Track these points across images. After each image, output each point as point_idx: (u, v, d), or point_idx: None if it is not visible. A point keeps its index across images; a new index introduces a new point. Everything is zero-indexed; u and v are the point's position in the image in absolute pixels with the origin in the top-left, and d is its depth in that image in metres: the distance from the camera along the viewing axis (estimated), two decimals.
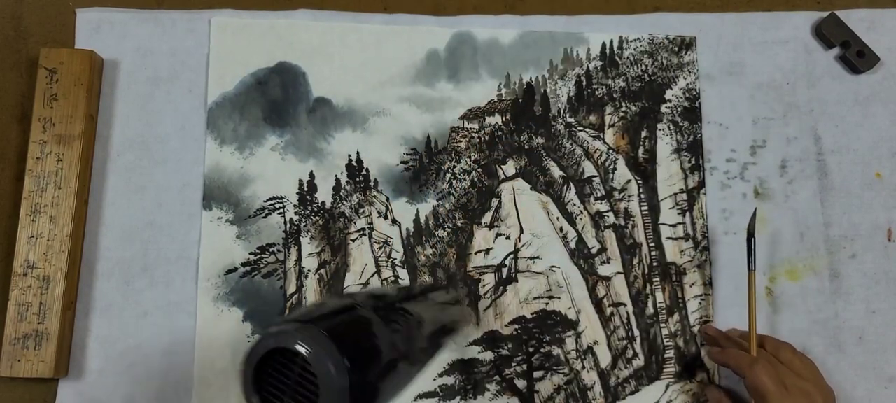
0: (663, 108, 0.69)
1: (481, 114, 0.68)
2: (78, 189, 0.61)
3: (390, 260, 0.64)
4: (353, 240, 0.64)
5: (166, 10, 0.67)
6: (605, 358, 0.64)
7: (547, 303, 0.65)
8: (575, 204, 0.67)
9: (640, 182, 0.67)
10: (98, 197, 0.64)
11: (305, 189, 0.65)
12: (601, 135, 0.68)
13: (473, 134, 0.67)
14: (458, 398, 0.62)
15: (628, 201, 0.67)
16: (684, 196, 0.67)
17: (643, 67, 0.69)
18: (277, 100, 0.66)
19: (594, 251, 0.66)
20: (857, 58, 0.69)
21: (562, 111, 0.68)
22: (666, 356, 0.64)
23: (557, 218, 0.66)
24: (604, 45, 0.69)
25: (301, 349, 0.34)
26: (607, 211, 0.67)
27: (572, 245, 0.66)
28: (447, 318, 0.52)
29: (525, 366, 0.63)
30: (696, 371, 0.64)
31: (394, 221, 0.65)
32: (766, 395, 0.53)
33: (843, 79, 0.70)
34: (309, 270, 0.64)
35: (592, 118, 0.68)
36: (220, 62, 0.66)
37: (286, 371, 0.35)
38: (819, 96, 0.69)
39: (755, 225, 0.61)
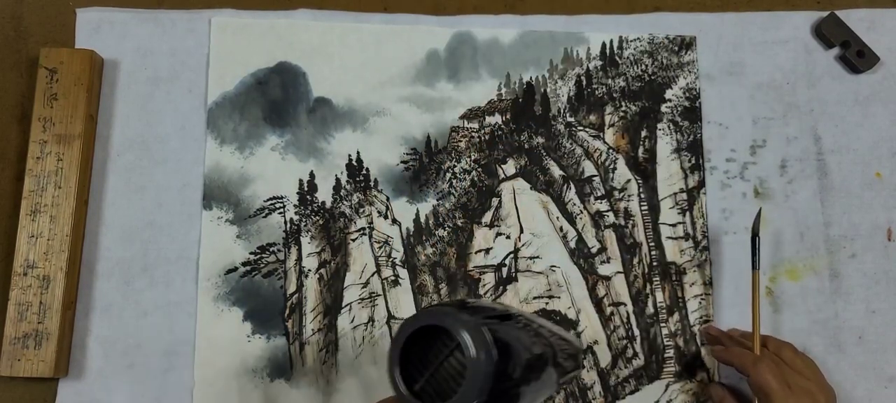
0: (663, 108, 0.69)
1: (481, 114, 0.68)
2: (78, 189, 0.61)
3: (390, 259, 0.64)
4: (354, 240, 0.64)
5: (166, 10, 0.67)
6: (604, 358, 0.64)
7: (547, 303, 0.65)
8: (575, 204, 0.66)
9: (640, 181, 0.67)
10: (98, 197, 0.64)
11: (305, 189, 0.65)
12: (601, 134, 0.68)
13: (473, 133, 0.67)
14: None
15: (628, 201, 0.67)
16: (684, 195, 0.67)
17: (643, 67, 0.69)
18: (277, 100, 0.66)
19: (594, 250, 0.66)
20: (857, 58, 0.69)
21: (562, 111, 0.68)
22: (666, 355, 0.64)
23: (557, 217, 0.66)
24: (604, 44, 0.69)
25: (459, 333, 0.35)
26: (607, 211, 0.67)
27: (572, 244, 0.66)
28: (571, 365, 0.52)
29: None
30: (696, 371, 0.64)
31: (394, 221, 0.65)
32: (770, 394, 0.53)
33: (843, 79, 0.70)
34: (309, 270, 0.64)
35: (592, 118, 0.68)
36: (220, 62, 0.66)
37: (434, 350, 0.36)
38: (819, 96, 0.69)
39: (759, 224, 0.61)
